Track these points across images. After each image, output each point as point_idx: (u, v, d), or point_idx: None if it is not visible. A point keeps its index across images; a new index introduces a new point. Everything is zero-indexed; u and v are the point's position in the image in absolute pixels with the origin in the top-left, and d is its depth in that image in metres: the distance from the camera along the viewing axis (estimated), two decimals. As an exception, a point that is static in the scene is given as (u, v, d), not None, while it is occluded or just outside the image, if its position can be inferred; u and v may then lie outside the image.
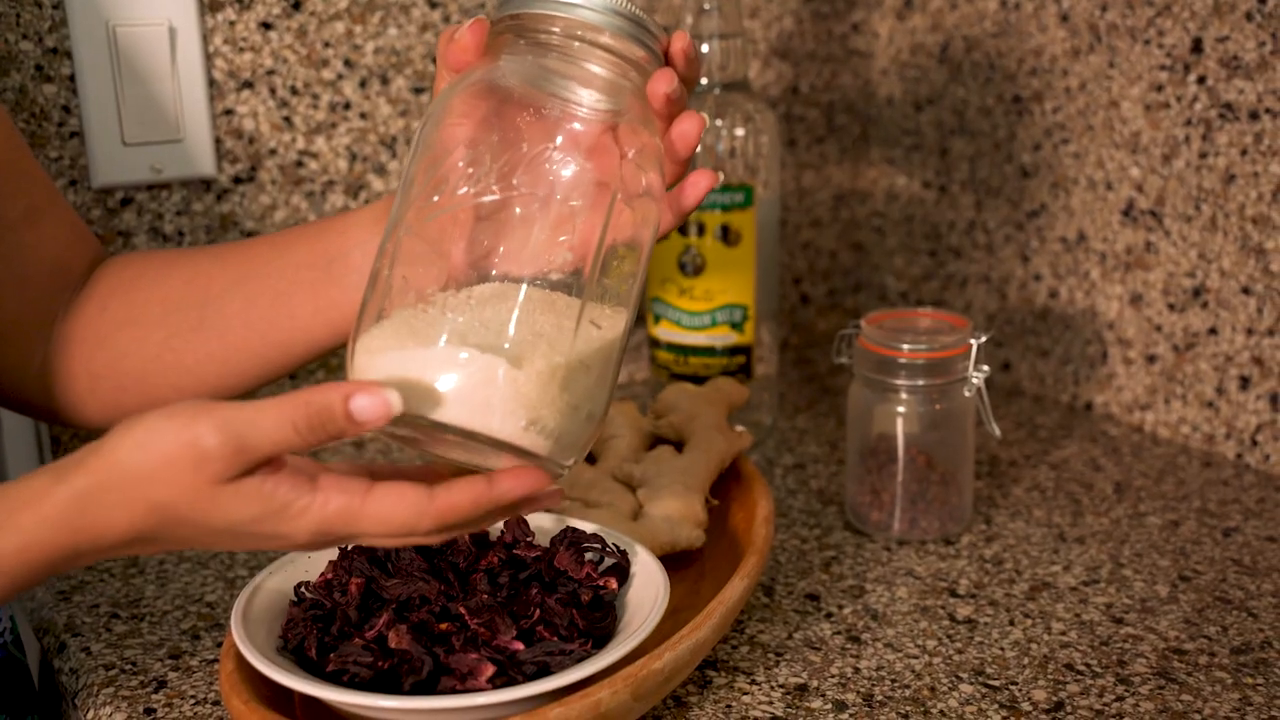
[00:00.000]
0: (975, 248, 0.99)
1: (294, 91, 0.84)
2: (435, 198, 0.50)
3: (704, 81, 0.84)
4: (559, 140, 0.49)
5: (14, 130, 0.63)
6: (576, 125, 0.50)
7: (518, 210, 0.49)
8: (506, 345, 0.46)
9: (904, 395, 0.73)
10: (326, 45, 0.85)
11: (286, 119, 0.84)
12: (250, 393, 0.63)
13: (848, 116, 1.06)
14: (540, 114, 0.50)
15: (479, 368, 0.46)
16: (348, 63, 0.85)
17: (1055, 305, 0.93)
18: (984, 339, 0.72)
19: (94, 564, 0.72)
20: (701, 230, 0.84)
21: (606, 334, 0.50)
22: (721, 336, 0.86)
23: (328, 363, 0.90)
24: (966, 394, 0.72)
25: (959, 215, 1.00)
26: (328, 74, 0.85)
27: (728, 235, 0.84)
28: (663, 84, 0.51)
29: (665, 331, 0.87)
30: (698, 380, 0.85)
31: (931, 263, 1.03)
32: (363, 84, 0.86)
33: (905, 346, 0.73)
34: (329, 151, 0.86)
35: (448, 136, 0.51)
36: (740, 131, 0.84)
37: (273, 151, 0.84)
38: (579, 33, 0.50)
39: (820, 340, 1.08)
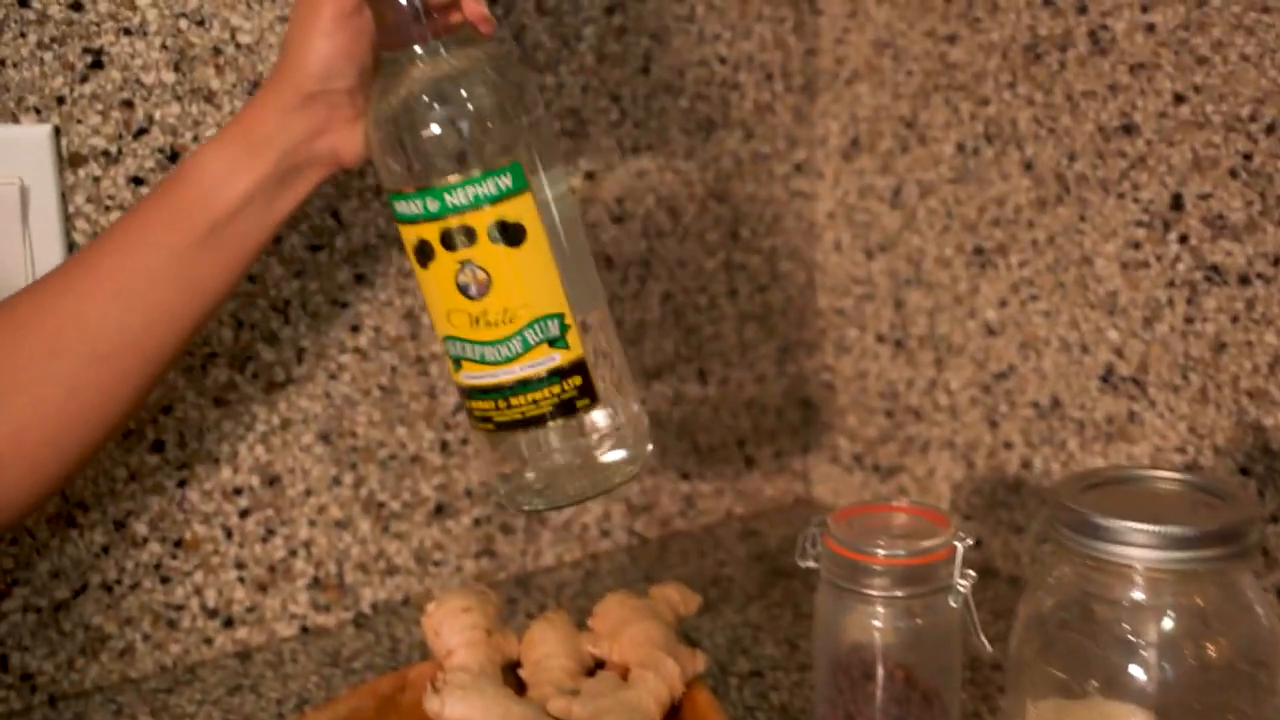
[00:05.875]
0: (937, 410, 0.91)
1: (172, 251, 0.73)
2: None
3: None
4: None
5: None
6: None
7: None
8: None
9: (880, 608, 0.64)
10: (211, 199, 0.74)
11: (163, 283, 0.73)
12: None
13: (792, 263, 0.98)
14: None
15: None
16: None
17: (1029, 476, 0.85)
18: (970, 542, 0.63)
19: None
20: (472, 237, 0.63)
21: None
22: (541, 360, 0.65)
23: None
24: (952, 604, 0.63)
25: (918, 373, 0.92)
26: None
27: (507, 232, 0.63)
28: None
29: (471, 375, 0.65)
30: (533, 422, 0.65)
31: (889, 424, 0.95)
32: (253, 241, 0.76)
33: (880, 551, 0.63)
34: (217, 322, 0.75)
35: None
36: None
37: (146, 320, 0.73)
38: None
39: (768, 509, 0.99)
